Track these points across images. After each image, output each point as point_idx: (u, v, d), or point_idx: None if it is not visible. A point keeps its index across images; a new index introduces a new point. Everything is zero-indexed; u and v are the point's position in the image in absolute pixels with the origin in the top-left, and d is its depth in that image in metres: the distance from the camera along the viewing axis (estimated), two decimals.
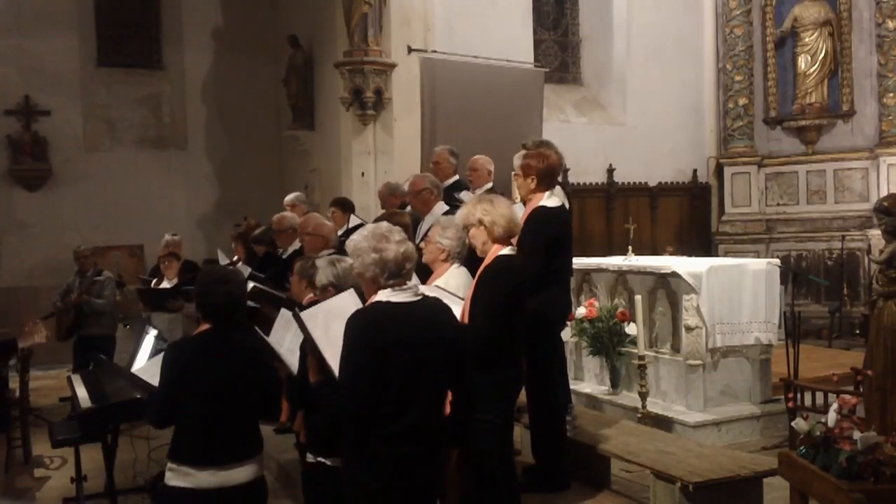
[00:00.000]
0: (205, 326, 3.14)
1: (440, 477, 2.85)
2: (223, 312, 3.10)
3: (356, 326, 2.65)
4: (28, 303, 8.57)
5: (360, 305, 2.89)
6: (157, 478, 4.06)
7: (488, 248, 3.61)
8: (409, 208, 5.57)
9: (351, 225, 6.16)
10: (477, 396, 3.05)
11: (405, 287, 2.76)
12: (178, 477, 3.02)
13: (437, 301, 2.92)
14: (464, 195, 5.34)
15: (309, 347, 2.86)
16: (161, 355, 3.34)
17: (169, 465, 3.07)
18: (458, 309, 3.49)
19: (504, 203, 3.64)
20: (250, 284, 5.43)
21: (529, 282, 3.96)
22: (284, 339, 3.38)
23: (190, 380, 3.01)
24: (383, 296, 2.73)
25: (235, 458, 3.05)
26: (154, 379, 3.37)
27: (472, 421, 3.12)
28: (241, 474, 3.06)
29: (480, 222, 3.58)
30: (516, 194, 5.06)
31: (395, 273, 2.73)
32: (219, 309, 3.09)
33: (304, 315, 2.91)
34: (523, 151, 4.63)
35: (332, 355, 2.73)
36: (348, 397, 2.64)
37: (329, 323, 2.81)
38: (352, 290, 3.02)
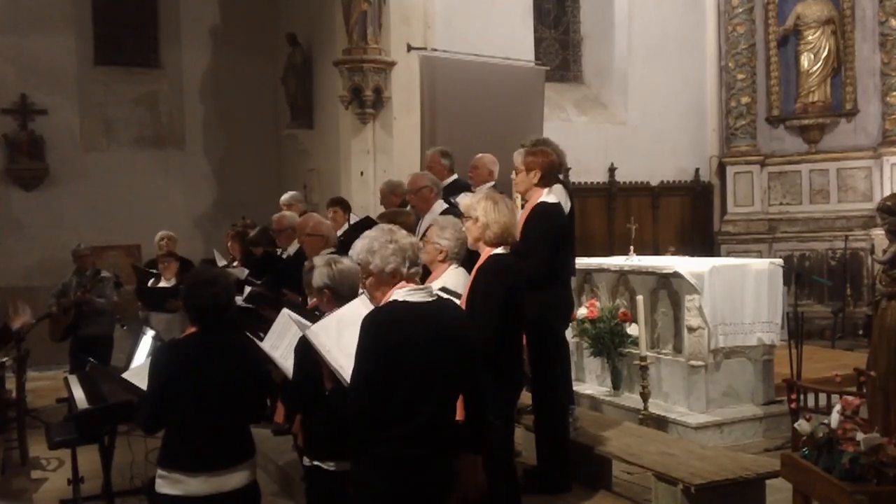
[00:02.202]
0: (192, 329, 3.09)
1: (450, 479, 2.78)
2: (209, 314, 3.05)
3: (370, 325, 2.62)
4: (25, 303, 8.49)
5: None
6: (154, 480, 4.02)
7: (479, 246, 3.59)
8: (409, 207, 5.54)
9: (352, 222, 6.12)
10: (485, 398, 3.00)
11: (421, 287, 2.73)
12: (169, 484, 2.96)
13: (451, 302, 2.90)
14: (461, 197, 5.30)
15: (320, 359, 2.82)
16: (148, 359, 3.30)
17: (159, 471, 3.01)
18: None
19: (507, 209, 3.58)
20: (248, 288, 5.41)
21: (534, 280, 3.93)
22: (282, 342, 3.34)
23: (178, 384, 2.95)
24: (399, 295, 2.68)
25: (227, 463, 3.00)
26: (142, 382, 3.32)
27: (484, 423, 3.07)
28: (233, 480, 3.00)
29: (477, 220, 3.54)
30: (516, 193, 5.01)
31: (414, 261, 2.73)
32: (205, 311, 3.05)
33: (317, 327, 2.86)
34: (524, 149, 4.60)
35: (348, 363, 2.68)
36: (356, 396, 2.60)
37: (342, 330, 2.77)
38: (363, 297, 2.97)
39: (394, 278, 2.71)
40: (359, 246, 2.79)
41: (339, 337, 2.75)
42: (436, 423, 2.65)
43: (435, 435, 2.65)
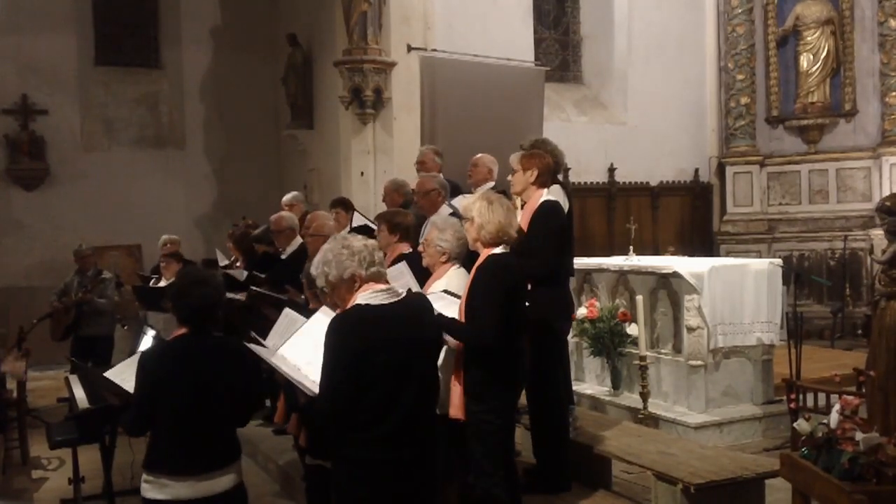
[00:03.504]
0: (181, 330, 3.05)
1: (433, 481, 2.77)
2: (199, 315, 3.01)
3: (335, 331, 2.62)
4: (25, 303, 8.52)
5: None
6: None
7: (477, 247, 3.61)
8: (412, 207, 5.54)
9: (355, 224, 6.13)
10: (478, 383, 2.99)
11: (383, 288, 2.72)
12: (154, 489, 2.92)
13: (419, 299, 2.89)
14: (460, 198, 5.32)
15: (290, 379, 2.82)
16: (133, 359, 3.26)
17: (144, 476, 2.96)
18: (455, 308, 3.46)
19: (502, 209, 3.58)
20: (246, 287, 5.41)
21: (537, 278, 3.94)
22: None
23: (166, 386, 2.91)
24: (362, 298, 2.69)
25: (214, 466, 2.96)
26: (125, 382, 3.29)
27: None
28: (220, 483, 2.96)
29: (473, 220, 3.56)
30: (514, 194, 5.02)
31: (371, 261, 2.72)
32: (195, 312, 3.01)
33: (285, 348, 2.88)
34: (519, 152, 4.63)
35: (318, 377, 2.68)
36: (326, 403, 2.59)
37: (307, 345, 2.79)
38: (325, 308, 2.99)
39: (354, 282, 2.71)
40: (315, 262, 2.81)
41: (315, 350, 2.73)
42: (413, 423, 2.64)
43: (413, 435, 2.64)
